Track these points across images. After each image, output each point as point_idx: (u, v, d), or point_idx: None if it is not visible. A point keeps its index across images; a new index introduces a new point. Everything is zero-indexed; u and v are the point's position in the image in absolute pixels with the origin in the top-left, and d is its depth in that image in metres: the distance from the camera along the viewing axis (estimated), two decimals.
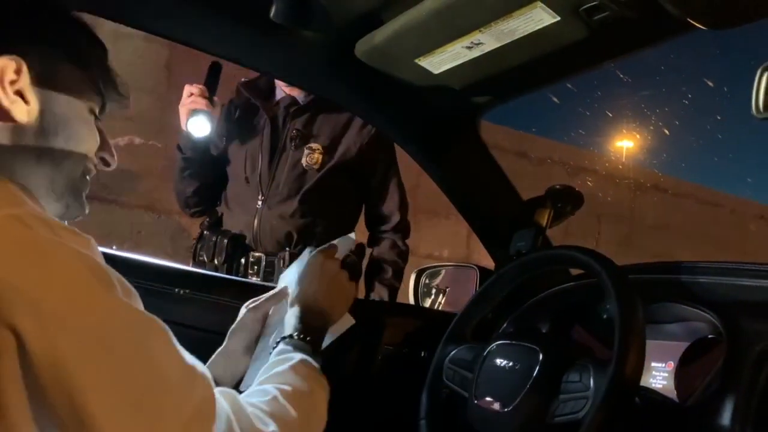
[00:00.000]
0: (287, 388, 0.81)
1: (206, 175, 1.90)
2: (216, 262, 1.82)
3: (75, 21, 0.75)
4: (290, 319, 0.96)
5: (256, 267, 1.81)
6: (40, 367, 0.52)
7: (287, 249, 1.80)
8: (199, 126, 1.72)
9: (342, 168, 1.86)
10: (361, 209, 2.00)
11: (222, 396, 0.68)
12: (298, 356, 0.88)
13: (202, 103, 1.73)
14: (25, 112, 0.68)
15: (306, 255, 1.07)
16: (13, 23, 0.68)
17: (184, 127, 1.77)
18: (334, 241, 1.11)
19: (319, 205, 1.85)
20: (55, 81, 0.71)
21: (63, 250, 0.57)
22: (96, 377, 0.54)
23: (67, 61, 0.72)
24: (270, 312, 1.10)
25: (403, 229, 1.99)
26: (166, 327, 0.63)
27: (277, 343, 0.92)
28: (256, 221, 1.83)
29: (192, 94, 1.73)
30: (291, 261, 1.72)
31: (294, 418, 0.77)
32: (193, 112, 1.71)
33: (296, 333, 0.92)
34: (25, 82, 0.68)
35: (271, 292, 1.10)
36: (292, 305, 0.98)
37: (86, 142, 0.75)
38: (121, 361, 0.56)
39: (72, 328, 0.54)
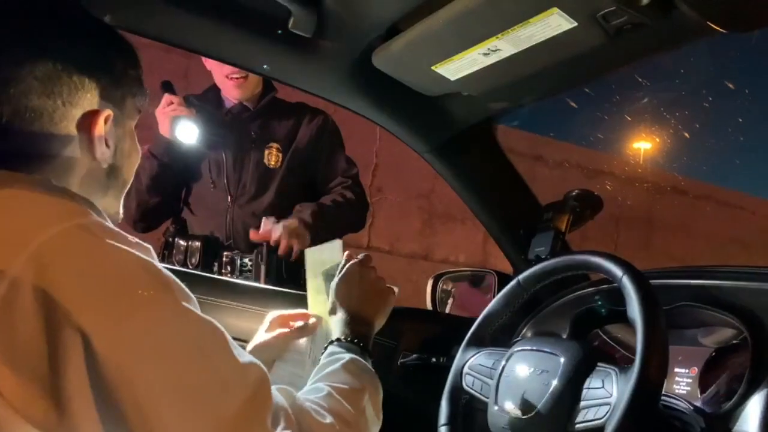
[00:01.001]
0: (341, 385, 0.82)
1: (175, 184, 1.94)
2: (190, 265, 1.85)
3: (133, 50, 0.78)
4: (337, 324, 0.98)
5: (230, 266, 1.86)
6: (104, 365, 0.55)
7: (264, 244, 1.83)
8: (187, 132, 1.76)
9: (299, 162, 1.95)
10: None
11: (279, 392, 0.70)
12: (348, 355, 0.89)
13: (184, 110, 1.78)
14: (107, 157, 0.74)
15: (336, 245, 1.08)
16: (105, 72, 0.73)
17: (165, 134, 1.81)
18: (324, 245, 1.12)
19: (287, 199, 1.92)
20: (124, 120, 0.76)
21: (126, 256, 0.60)
22: (155, 375, 0.57)
23: (130, 96, 0.77)
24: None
25: (354, 181, 2.02)
26: (222, 329, 0.65)
27: (325, 348, 0.94)
28: (228, 221, 1.90)
29: (172, 103, 1.78)
30: (269, 256, 1.80)
31: (350, 412, 0.78)
32: (178, 119, 1.76)
33: (344, 336, 0.94)
34: (109, 128, 0.73)
35: (300, 324, 1.09)
36: (334, 313, 1.00)
37: (137, 166, 0.82)
38: (178, 360, 0.59)
39: (133, 328, 0.57)
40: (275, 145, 1.94)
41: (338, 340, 0.94)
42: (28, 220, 0.59)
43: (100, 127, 0.72)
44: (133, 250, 0.61)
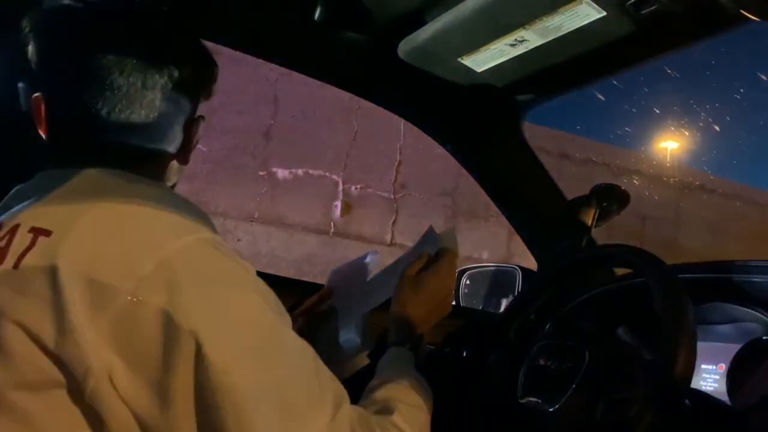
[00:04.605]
0: (410, 407, 0.81)
1: None
2: None
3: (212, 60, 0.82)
4: (401, 324, 0.94)
5: None
6: (211, 369, 0.59)
7: None
8: None
9: None
10: None
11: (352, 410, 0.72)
12: (415, 371, 0.88)
13: None
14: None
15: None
16: (207, 85, 0.80)
17: None
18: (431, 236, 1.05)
19: None
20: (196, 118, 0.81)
21: (243, 274, 0.66)
22: (257, 385, 0.61)
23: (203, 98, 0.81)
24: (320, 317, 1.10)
25: None
26: (312, 349, 0.69)
27: (384, 348, 0.93)
28: None
29: None
30: None
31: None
32: None
33: (408, 343, 0.93)
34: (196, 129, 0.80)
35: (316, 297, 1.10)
36: (394, 314, 0.96)
37: None
38: (280, 374, 0.64)
39: (243, 340, 0.62)
40: None
41: (402, 344, 0.92)
42: (159, 229, 0.63)
43: (198, 134, 0.79)
44: (247, 269, 0.66)
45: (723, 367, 0.98)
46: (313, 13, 1.03)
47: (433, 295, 0.96)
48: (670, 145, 9.06)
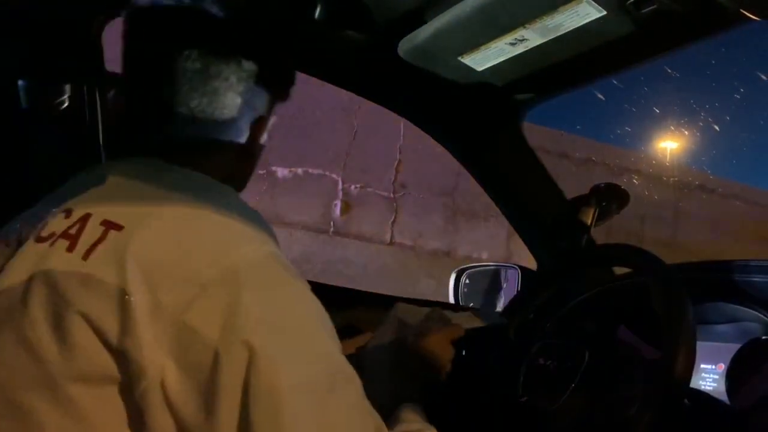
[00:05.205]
0: None
1: None
2: None
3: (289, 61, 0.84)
4: (407, 386, 0.97)
5: None
6: (261, 381, 0.59)
7: None
8: None
9: None
10: None
11: None
12: (427, 423, 0.88)
13: None
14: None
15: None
16: (279, 87, 0.80)
17: None
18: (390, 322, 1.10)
19: None
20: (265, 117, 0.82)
21: (302, 290, 0.67)
22: (304, 408, 0.61)
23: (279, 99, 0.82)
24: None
25: None
26: (358, 378, 0.69)
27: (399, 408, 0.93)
28: None
29: None
30: None
31: None
32: None
33: (418, 407, 0.94)
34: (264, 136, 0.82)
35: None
36: (400, 379, 0.99)
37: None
38: (328, 400, 0.63)
39: (297, 360, 0.62)
40: None
41: (412, 411, 0.92)
42: (226, 238, 0.65)
43: (264, 132, 0.79)
44: (305, 284, 0.67)
45: (722, 367, 0.98)
46: (313, 13, 1.03)
47: (435, 361, 0.99)
48: (670, 145, 9.07)
